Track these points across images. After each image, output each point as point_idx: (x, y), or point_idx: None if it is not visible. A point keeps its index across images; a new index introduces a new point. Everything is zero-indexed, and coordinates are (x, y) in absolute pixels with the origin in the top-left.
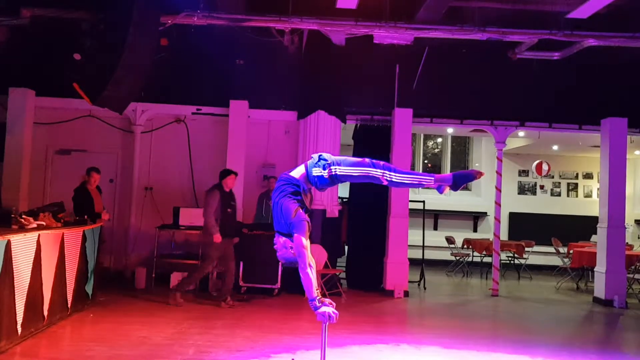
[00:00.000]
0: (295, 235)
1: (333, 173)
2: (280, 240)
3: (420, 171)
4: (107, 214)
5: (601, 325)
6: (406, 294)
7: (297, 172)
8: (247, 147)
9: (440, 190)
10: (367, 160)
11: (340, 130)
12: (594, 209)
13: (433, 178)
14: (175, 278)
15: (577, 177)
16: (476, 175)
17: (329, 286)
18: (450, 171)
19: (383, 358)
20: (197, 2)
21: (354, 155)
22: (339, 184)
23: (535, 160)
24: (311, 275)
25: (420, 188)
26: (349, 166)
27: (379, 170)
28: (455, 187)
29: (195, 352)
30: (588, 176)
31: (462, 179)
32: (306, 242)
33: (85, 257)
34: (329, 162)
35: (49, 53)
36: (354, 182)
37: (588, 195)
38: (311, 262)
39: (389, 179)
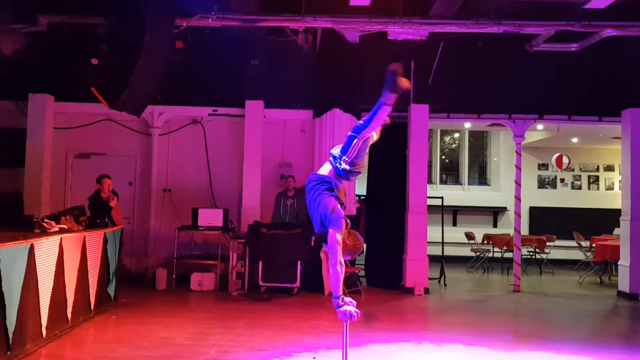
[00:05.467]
0: (330, 230)
1: (349, 161)
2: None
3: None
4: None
5: (626, 319)
6: (426, 291)
7: (325, 170)
8: (264, 146)
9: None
10: (349, 133)
11: None
12: (616, 202)
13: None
14: (195, 279)
15: (598, 169)
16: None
17: (349, 284)
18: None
19: (404, 356)
20: (211, 4)
21: (370, 152)
22: (355, 180)
23: (555, 154)
24: (340, 272)
25: (384, 117)
26: (349, 148)
27: (358, 132)
28: (391, 88)
29: (217, 352)
30: (609, 168)
31: (389, 79)
32: (340, 239)
33: (107, 260)
34: (337, 156)
35: (66, 59)
36: (365, 155)
37: (610, 188)
38: (341, 259)
39: (363, 128)
